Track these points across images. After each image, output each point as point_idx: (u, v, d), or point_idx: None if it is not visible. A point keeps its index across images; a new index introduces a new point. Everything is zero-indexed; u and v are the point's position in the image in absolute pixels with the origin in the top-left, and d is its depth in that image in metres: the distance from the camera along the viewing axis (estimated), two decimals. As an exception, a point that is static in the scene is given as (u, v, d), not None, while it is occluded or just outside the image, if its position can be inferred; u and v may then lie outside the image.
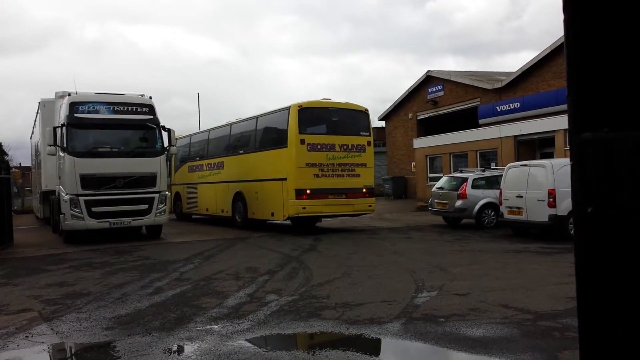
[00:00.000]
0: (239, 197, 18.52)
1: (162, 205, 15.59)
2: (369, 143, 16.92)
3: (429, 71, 32.84)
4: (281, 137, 16.41)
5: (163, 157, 15.90)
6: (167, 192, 16.11)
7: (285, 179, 15.91)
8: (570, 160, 1.02)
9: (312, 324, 6.27)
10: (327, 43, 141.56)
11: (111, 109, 15.29)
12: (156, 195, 15.44)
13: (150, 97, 16.16)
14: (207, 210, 21.31)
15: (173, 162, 24.35)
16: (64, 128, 14.78)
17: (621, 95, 0.95)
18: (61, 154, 15.02)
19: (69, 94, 15.41)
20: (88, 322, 6.60)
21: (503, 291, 7.72)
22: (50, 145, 14.98)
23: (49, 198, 19.01)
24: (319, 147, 16.02)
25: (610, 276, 0.96)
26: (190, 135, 24.16)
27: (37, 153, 23.56)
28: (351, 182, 16.41)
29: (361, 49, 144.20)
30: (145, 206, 15.32)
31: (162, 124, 15.88)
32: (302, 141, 15.81)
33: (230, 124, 20.01)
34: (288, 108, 16.10)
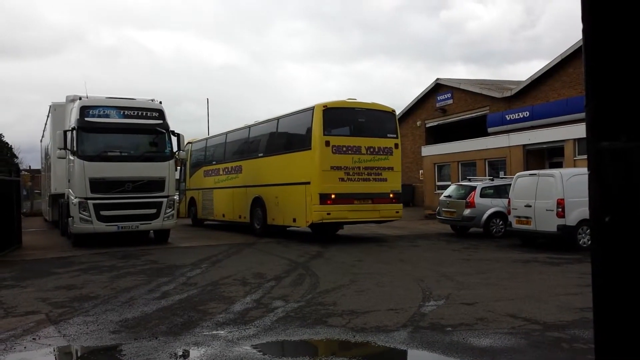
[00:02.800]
0: (257, 203, 17.77)
1: (170, 210, 15.63)
2: (396, 146, 16.15)
3: (438, 79, 32.85)
4: (304, 139, 15.67)
5: (172, 162, 15.95)
6: (175, 197, 16.15)
7: (308, 183, 15.13)
8: (588, 169, 1.01)
9: (318, 330, 6.25)
10: (337, 49, 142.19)
11: (121, 113, 15.38)
12: (164, 200, 15.49)
13: (160, 102, 16.27)
14: (223, 216, 20.52)
15: (188, 167, 23.80)
16: (74, 132, 14.88)
17: (638, 105, 0.94)
18: (71, 157, 15.11)
19: (80, 98, 15.54)
20: (95, 325, 6.61)
21: (511, 301, 7.66)
22: (60, 149, 15.08)
23: (58, 201, 19.13)
24: (344, 149, 15.23)
25: (628, 285, 0.95)
26: (206, 139, 23.44)
27: (47, 156, 23.73)
28: (378, 186, 15.61)
29: (371, 55, 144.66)
30: (154, 210, 15.37)
31: (171, 128, 15.96)
32: (327, 143, 15.01)
33: (249, 126, 19.30)
34: (312, 108, 15.37)
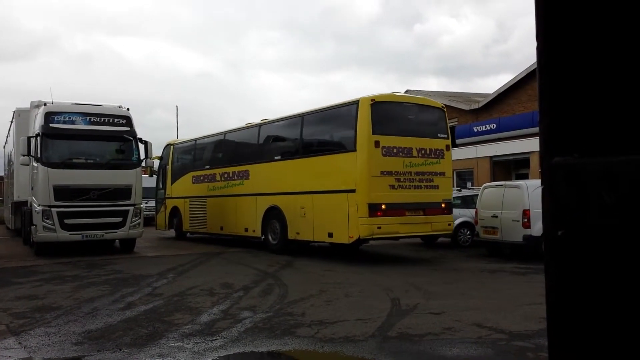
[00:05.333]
0: (273, 213, 15.41)
1: (136, 219, 15.38)
2: (447, 147, 14.08)
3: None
4: (345, 139, 13.58)
5: (139, 170, 15.72)
6: (142, 205, 15.86)
7: (352, 191, 12.82)
8: (542, 184, 1.04)
9: (286, 341, 6.22)
10: (311, 59, 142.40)
11: (87, 119, 15.12)
12: (131, 208, 15.24)
13: (128, 109, 16.05)
14: (221, 229, 17.97)
15: (169, 172, 21.22)
16: (38, 138, 14.56)
17: (590, 122, 0.97)
18: (35, 164, 14.77)
19: (45, 104, 15.22)
20: (57, 336, 6.45)
21: (477, 310, 7.76)
22: (23, 155, 14.74)
23: (21, 209, 18.66)
24: (394, 151, 13.02)
25: (580, 298, 0.98)
26: (195, 140, 20.41)
27: (10, 162, 23.17)
28: (429, 195, 13.45)
29: (345, 66, 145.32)
30: (119, 219, 15.10)
31: (140, 135, 15.75)
32: (377, 143, 12.77)
33: (259, 125, 16.74)
34: (356, 102, 13.16)
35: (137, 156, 15.62)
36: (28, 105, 17.30)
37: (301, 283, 10.26)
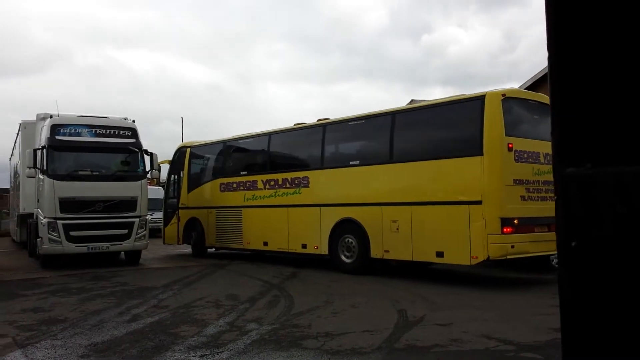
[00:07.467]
0: (347, 227, 13.28)
1: (141, 230, 15.38)
2: None
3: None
4: (463, 141, 11.46)
5: (144, 181, 15.75)
6: (147, 217, 15.86)
7: (477, 203, 10.76)
8: (555, 195, 1.04)
9: (292, 353, 6.19)
10: (317, 71, 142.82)
11: (93, 131, 15.18)
12: (136, 220, 15.25)
13: (134, 121, 16.11)
14: (265, 244, 15.47)
15: (184, 178, 18.57)
16: (44, 150, 14.62)
17: (603, 133, 0.97)
18: (41, 176, 14.83)
19: (51, 116, 15.31)
20: (63, 349, 6.44)
21: (485, 321, 7.70)
22: (29, 168, 14.80)
23: (27, 221, 18.70)
24: (525, 156, 11.09)
25: (594, 309, 0.97)
26: (224, 142, 17.68)
27: (15, 175, 23.27)
28: (552, 207, 11.75)
29: (351, 77, 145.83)
30: (125, 231, 15.11)
31: (145, 147, 15.80)
32: (510, 147, 10.79)
33: (324, 125, 14.36)
34: (481, 97, 11.09)
35: (142, 168, 15.66)
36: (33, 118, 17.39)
37: (307, 294, 10.22)
